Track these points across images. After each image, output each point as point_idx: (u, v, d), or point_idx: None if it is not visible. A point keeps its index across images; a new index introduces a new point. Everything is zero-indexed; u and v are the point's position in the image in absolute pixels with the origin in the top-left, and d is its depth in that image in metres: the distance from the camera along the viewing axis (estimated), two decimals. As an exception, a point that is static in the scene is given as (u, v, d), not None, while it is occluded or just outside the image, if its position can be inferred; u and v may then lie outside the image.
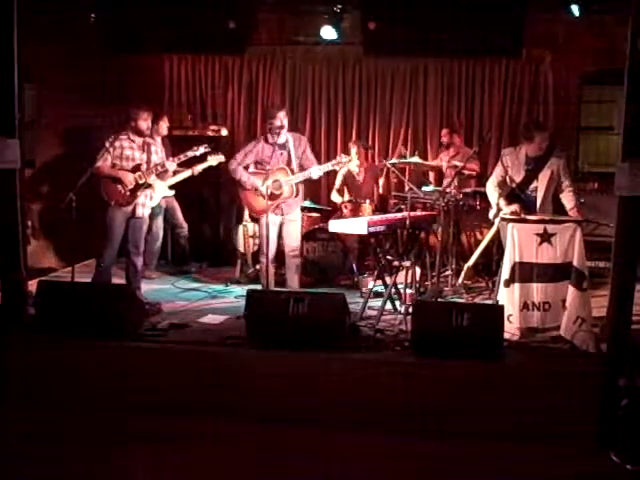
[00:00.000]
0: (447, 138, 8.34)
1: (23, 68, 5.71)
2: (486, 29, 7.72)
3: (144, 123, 6.57)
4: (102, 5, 7.97)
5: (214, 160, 7.56)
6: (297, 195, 6.87)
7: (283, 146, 6.84)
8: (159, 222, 7.77)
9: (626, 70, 4.90)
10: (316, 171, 6.83)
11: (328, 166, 6.97)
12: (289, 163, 6.83)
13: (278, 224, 6.91)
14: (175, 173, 7.42)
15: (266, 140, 6.88)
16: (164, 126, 7.84)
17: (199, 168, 7.55)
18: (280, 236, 7.01)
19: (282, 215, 6.89)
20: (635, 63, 4.84)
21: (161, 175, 6.84)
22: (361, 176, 8.25)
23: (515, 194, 6.31)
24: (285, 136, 6.85)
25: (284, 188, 6.79)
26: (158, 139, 7.56)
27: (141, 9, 7.96)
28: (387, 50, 8.17)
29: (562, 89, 8.45)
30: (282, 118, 6.73)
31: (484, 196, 6.85)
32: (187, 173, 7.52)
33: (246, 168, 6.92)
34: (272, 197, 6.71)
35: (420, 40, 7.90)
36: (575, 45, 8.12)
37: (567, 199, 6.23)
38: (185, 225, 8.15)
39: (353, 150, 8.18)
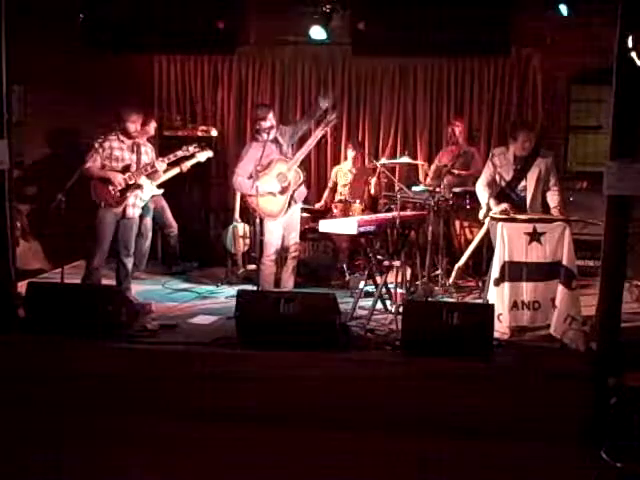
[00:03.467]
0: (462, 134, 8.21)
1: (11, 69, 5.69)
2: (474, 28, 7.74)
3: (132, 125, 6.54)
4: (90, 5, 7.95)
5: (202, 156, 7.51)
6: (304, 178, 6.82)
7: (273, 140, 6.81)
8: (147, 222, 7.74)
9: (614, 70, 4.91)
10: (310, 143, 6.84)
11: (318, 134, 6.88)
12: (282, 153, 6.80)
13: (283, 223, 6.87)
14: (163, 172, 7.37)
15: (256, 140, 6.86)
16: (152, 126, 7.79)
17: (187, 165, 7.52)
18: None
19: (295, 204, 6.84)
20: (623, 63, 4.85)
21: (151, 175, 6.81)
22: (351, 177, 8.26)
23: (505, 193, 6.34)
24: (273, 132, 6.81)
25: (289, 176, 6.72)
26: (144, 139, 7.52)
27: (130, 9, 7.95)
28: (376, 50, 8.17)
29: (551, 88, 8.48)
30: (272, 119, 6.73)
31: (474, 196, 6.87)
32: (175, 171, 7.48)
33: (250, 177, 6.75)
34: (284, 190, 6.70)
35: (409, 40, 7.90)
36: (564, 44, 8.13)
37: (551, 198, 6.27)
38: (175, 225, 8.12)
39: (351, 154, 8.24)
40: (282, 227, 6.86)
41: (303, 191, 6.94)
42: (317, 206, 8.46)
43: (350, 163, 8.33)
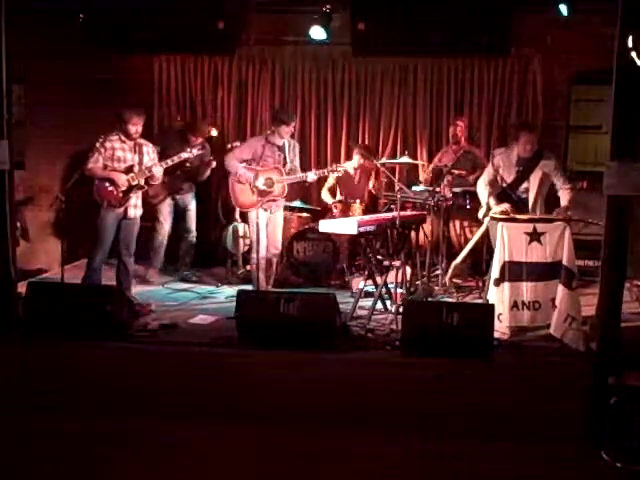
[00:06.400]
0: (464, 134, 8.18)
1: (11, 69, 5.68)
2: (474, 28, 7.76)
3: (133, 127, 6.52)
4: (91, 5, 7.96)
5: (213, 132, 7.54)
6: (286, 195, 7.13)
7: (280, 148, 7.06)
8: (168, 222, 7.70)
9: (614, 69, 4.91)
10: (312, 175, 7.14)
11: (324, 172, 7.28)
12: (284, 165, 7.06)
13: (265, 222, 7.05)
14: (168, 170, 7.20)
15: (267, 139, 7.10)
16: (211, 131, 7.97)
17: (192, 155, 7.18)
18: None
19: (270, 213, 7.07)
20: (623, 62, 4.85)
21: (150, 178, 6.72)
22: (357, 177, 8.25)
23: (506, 194, 6.34)
24: (283, 139, 7.08)
25: (275, 187, 6.98)
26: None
27: (130, 9, 7.97)
28: (376, 50, 8.21)
29: (551, 88, 8.47)
30: (292, 127, 7.11)
31: (474, 196, 6.87)
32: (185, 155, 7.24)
33: (240, 162, 7.08)
34: (262, 194, 6.90)
35: (409, 40, 7.93)
36: (563, 44, 8.14)
37: (563, 196, 6.24)
38: (194, 232, 7.92)
39: (356, 157, 8.15)
40: (265, 226, 7.06)
41: (282, 202, 7.25)
42: (335, 200, 8.28)
43: (355, 163, 8.24)
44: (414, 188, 7.96)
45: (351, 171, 8.18)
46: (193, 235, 7.95)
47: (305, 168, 7.40)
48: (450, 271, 7.13)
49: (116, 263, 6.77)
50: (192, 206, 7.88)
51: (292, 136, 7.36)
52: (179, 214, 7.83)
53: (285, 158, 7.05)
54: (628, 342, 5.06)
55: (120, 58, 8.50)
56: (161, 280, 7.78)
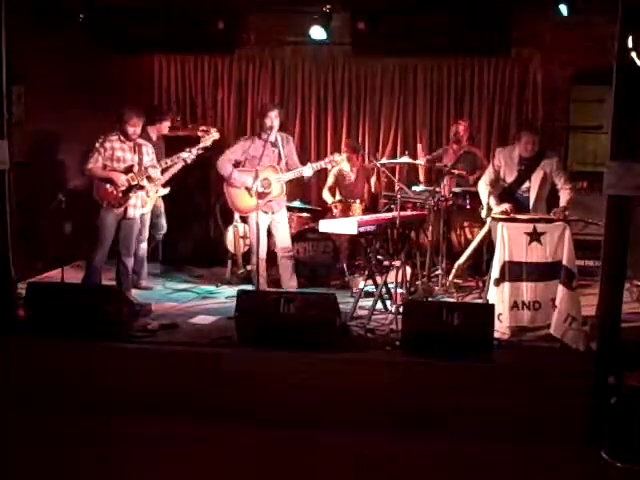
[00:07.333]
0: (466, 134, 8.17)
1: (11, 69, 5.68)
2: (474, 28, 7.77)
3: (132, 128, 6.51)
4: (91, 5, 7.97)
5: (208, 140, 7.21)
6: (285, 193, 7.02)
7: (274, 144, 6.93)
8: (146, 224, 7.58)
9: (614, 70, 4.91)
10: (308, 169, 6.95)
11: (321, 164, 7.09)
12: (279, 162, 6.96)
13: (267, 223, 6.98)
14: (166, 170, 7.22)
15: (259, 137, 6.96)
16: (165, 126, 7.71)
17: (193, 154, 7.12)
18: (269, 235, 7.08)
19: (272, 214, 6.97)
20: (623, 62, 4.85)
21: (149, 179, 6.71)
22: (353, 176, 8.25)
23: (508, 194, 6.34)
24: (275, 135, 6.92)
25: (274, 186, 6.90)
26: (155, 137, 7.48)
27: (130, 9, 7.98)
28: (376, 50, 8.22)
29: (551, 88, 8.49)
30: (273, 118, 6.82)
31: (474, 196, 6.86)
32: (178, 165, 7.30)
33: (236, 166, 6.98)
34: (261, 195, 6.76)
35: (409, 40, 7.94)
36: (564, 44, 8.15)
37: (562, 196, 6.24)
38: (165, 228, 7.92)
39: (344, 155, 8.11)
40: (266, 228, 6.99)
41: (282, 201, 7.09)
42: (335, 200, 8.27)
43: (346, 166, 8.21)
44: (414, 188, 7.96)
45: (347, 168, 8.19)
46: (164, 231, 7.92)
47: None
48: (453, 271, 7.14)
49: (116, 263, 6.76)
50: (161, 202, 7.77)
51: (284, 130, 7.30)
52: (153, 216, 7.67)
53: (280, 154, 6.94)
54: (628, 342, 5.07)
55: (120, 58, 8.50)
56: (155, 282, 7.75)
